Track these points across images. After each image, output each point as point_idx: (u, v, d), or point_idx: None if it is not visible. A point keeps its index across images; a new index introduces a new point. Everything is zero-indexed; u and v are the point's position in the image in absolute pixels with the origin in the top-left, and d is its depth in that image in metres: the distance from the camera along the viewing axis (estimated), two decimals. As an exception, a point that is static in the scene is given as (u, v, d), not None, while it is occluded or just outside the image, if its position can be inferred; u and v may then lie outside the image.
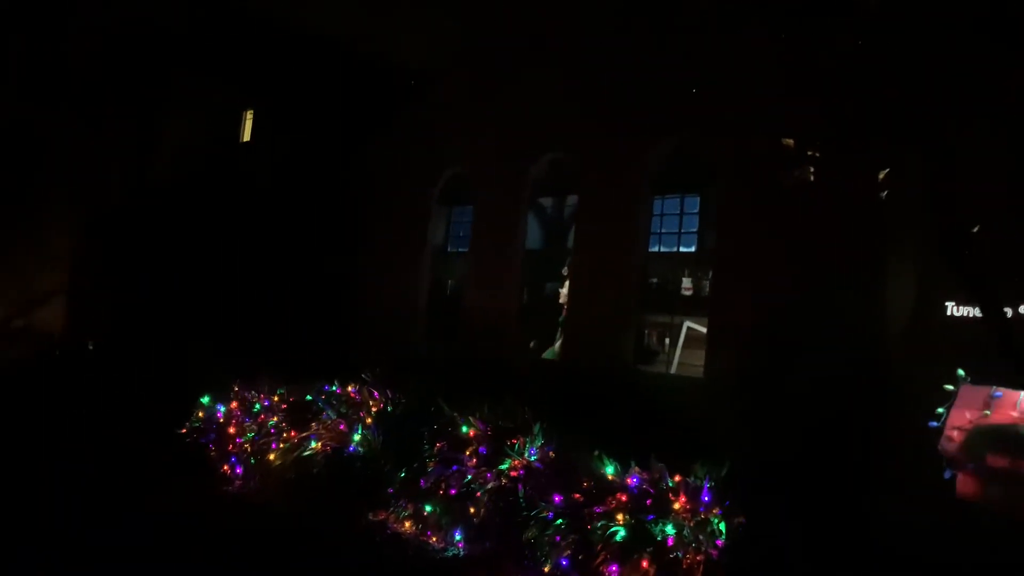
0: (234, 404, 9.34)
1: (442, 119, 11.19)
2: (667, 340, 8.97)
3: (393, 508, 6.99)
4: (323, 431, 7.97)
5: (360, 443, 7.81)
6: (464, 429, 6.98)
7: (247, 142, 16.87)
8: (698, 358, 8.30)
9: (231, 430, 9.05)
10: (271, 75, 15.14)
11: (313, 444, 7.96)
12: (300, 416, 8.56)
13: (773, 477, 6.04)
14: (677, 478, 5.55)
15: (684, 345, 8.71)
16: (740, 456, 6.03)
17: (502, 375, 9.52)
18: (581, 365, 9.07)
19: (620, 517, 5.23)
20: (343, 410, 8.11)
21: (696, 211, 8.70)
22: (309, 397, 8.70)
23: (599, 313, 8.95)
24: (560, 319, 9.77)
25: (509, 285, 10.14)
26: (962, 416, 6.16)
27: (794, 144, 5.75)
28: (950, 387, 6.28)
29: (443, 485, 6.63)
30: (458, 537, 6.39)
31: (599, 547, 5.12)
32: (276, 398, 9.38)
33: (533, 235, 10.38)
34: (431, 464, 6.79)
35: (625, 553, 5.04)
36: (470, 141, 10.68)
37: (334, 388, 8.85)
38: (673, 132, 8.46)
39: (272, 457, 8.37)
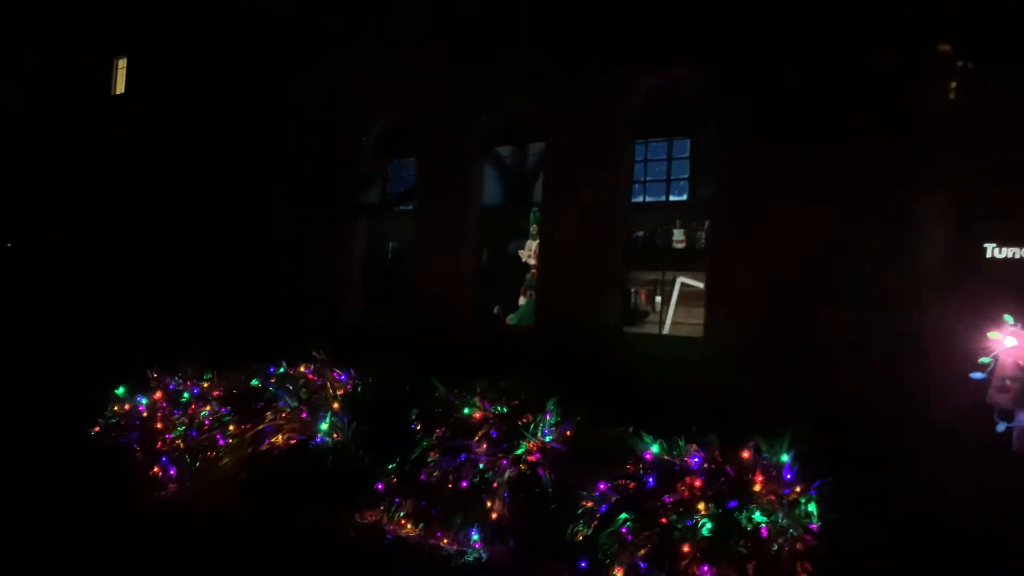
0: (158, 394, 7.92)
1: (373, 58, 9.91)
2: (658, 298, 8.29)
3: (386, 508, 5.95)
4: (282, 421, 6.77)
5: (328, 432, 6.69)
6: (466, 411, 6.01)
7: (120, 95, 14.85)
8: (695, 316, 7.65)
9: (158, 425, 7.66)
10: (146, 13, 13.21)
11: (270, 438, 6.76)
12: (245, 405, 7.30)
13: (814, 447, 5.44)
14: (745, 454, 4.84)
15: (677, 303, 8.05)
16: (768, 425, 5.44)
17: (462, 346, 8.56)
18: (557, 330, 8.23)
19: (702, 507, 4.46)
20: (303, 395, 6.93)
21: (686, 156, 7.99)
22: (255, 382, 7.44)
23: (577, 272, 8.10)
24: (528, 280, 8.89)
25: (464, 246, 9.12)
26: (1012, 364, 5.77)
27: (948, 52, 5.01)
28: (996, 334, 5.86)
29: (450, 477, 5.66)
30: (475, 537, 5.44)
31: (685, 544, 4.32)
32: (206, 384, 8.08)
33: (490, 190, 9.38)
34: (433, 454, 5.79)
35: (717, 549, 4.28)
36: (409, 83, 9.49)
37: (281, 370, 7.65)
38: (659, 65, 7.64)
39: (216, 455, 7.11)
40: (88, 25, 14.92)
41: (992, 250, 5.99)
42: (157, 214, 12.15)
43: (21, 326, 12.48)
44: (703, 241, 7.77)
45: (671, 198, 8.02)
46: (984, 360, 5.90)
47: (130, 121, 13.66)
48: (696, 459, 4.91)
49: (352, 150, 10.24)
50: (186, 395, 7.81)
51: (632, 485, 4.92)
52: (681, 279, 8.02)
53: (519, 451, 5.63)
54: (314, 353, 7.63)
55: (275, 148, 10.94)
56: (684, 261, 7.91)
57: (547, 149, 8.54)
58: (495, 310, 9.34)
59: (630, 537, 4.48)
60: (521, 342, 8.79)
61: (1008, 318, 5.82)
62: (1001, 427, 5.75)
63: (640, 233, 8.26)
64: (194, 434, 7.54)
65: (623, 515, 4.63)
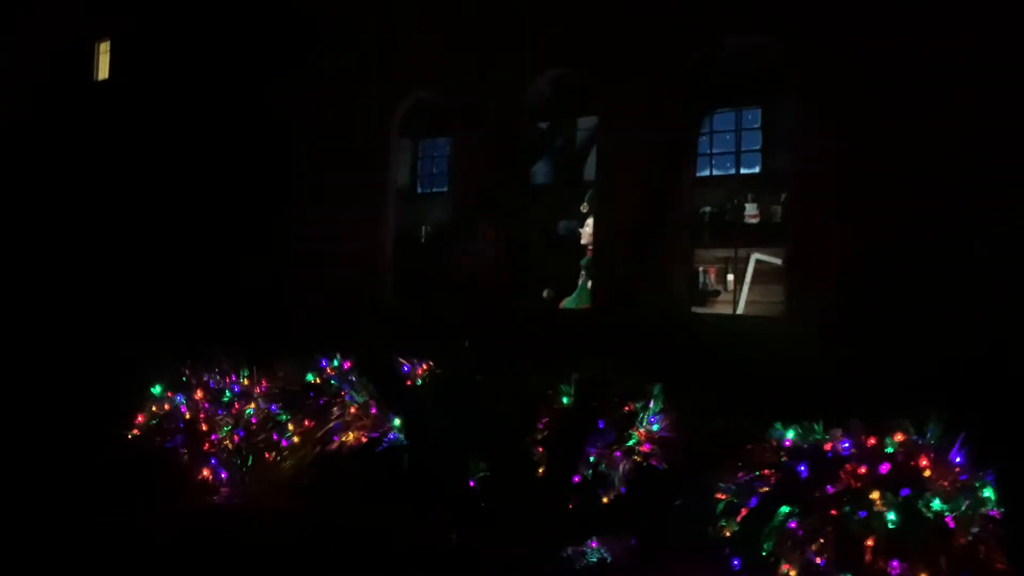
0: (199, 393, 7.34)
1: (398, 32, 9.35)
2: (730, 277, 7.91)
3: (484, 508, 5.49)
4: (350, 418, 6.26)
5: (401, 429, 6.20)
6: (564, 400, 5.57)
7: (104, 81, 13.98)
8: (773, 294, 7.30)
9: (203, 427, 7.10)
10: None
11: (338, 436, 6.25)
12: (303, 402, 6.77)
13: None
14: (899, 437, 4.47)
15: (752, 281, 7.69)
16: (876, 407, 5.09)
17: (508, 332, 8.11)
18: (617, 313, 7.81)
19: (876, 496, 4.07)
20: (371, 389, 6.41)
21: (758, 126, 7.61)
22: (311, 376, 6.90)
23: (638, 251, 7.69)
24: (583, 262, 8.44)
25: (510, 227, 8.65)
26: None
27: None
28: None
29: (557, 473, 5.21)
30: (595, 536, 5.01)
31: (868, 538, 3.94)
32: (246, 381, 7.52)
33: (536, 168, 8.91)
34: (538, 449, 5.33)
35: (904, 542, 3.90)
36: (441, 59, 8.97)
37: (335, 363, 7.11)
38: (729, 33, 7.25)
39: (274, 456, 6.57)
40: (64, 2, 14.01)
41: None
42: (160, 208, 11.41)
43: (24, 326, 11.68)
44: (779, 215, 7.42)
45: (742, 171, 7.64)
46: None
47: (117, 110, 12.83)
48: (846, 444, 4.53)
49: (380, 130, 9.69)
50: (228, 393, 7.26)
51: (777, 475, 4.52)
52: (756, 256, 7.65)
53: (631, 442, 5.22)
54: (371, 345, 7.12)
55: (292, 131, 10.33)
56: (759, 237, 7.54)
57: (601, 123, 8.09)
58: (545, 293, 8.89)
59: (801, 532, 4.08)
60: (573, 326, 8.38)
61: None
62: None
63: (708, 208, 7.87)
64: (241, 434, 7.02)
65: (784, 508, 4.23)
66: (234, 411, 7.19)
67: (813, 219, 6.76)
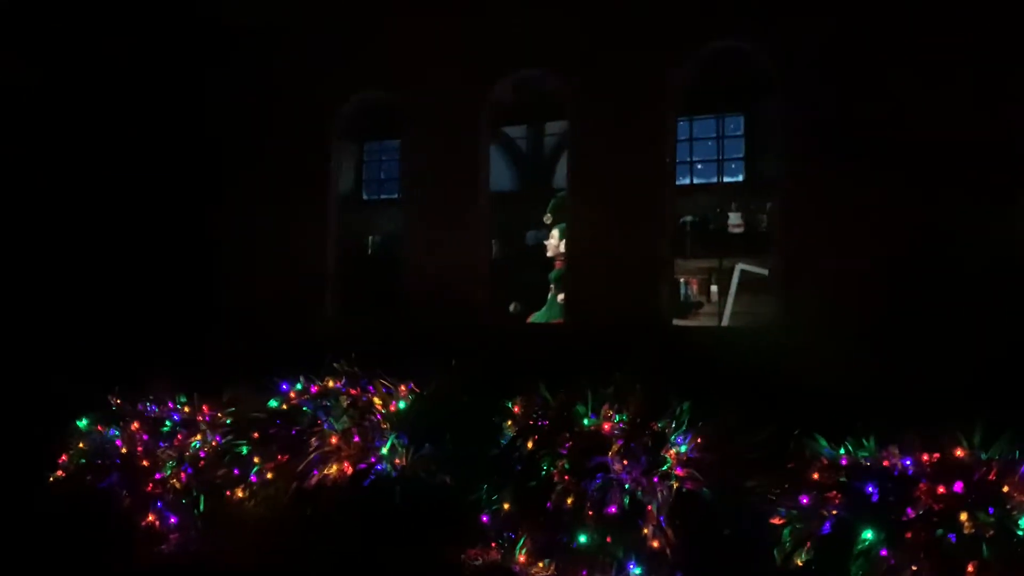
0: (135, 424, 6.41)
1: (343, 22, 8.63)
2: (713, 288, 7.65)
3: (500, 544, 4.92)
4: (331, 448, 5.53)
5: (389, 458, 5.55)
6: (586, 422, 5.09)
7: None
8: (758, 305, 7.09)
9: (143, 462, 6.16)
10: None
11: (317, 469, 5.50)
12: (267, 432, 5.97)
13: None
14: (959, 452, 4.27)
15: (737, 292, 7.46)
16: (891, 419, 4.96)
17: (470, 349, 7.54)
18: (592, 328, 7.40)
19: (964, 517, 3.82)
20: (350, 415, 5.71)
21: (740, 134, 7.41)
22: (274, 403, 6.10)
23: (615, 262, 7.32)
24: (552, 275, 7.98)
25: (472, 237, 8.09)
26: None
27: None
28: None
29: (589, 503, 4.73)
30: (637, 572, 4.55)
31: (969, 563, 3.66)
32: (187, 409, 6.66)
33: (498, 174, 8.40)
34: (565, 477, 4.82)
35: (1001, 566, 3.65)
36: (396, 53, 8.33)
37: (299, 386, 6.34)
38: (712, 38, 7.02)
39: (237, 494, 5.75)
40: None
41: None
42: (73, 223, 10.05)
43: None
44: (765, 224, 7.25)
45: (726, 179, 7.43)
46: None
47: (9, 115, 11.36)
48: (908, 462, 4.29)
49: (319, 132, 8.91)
50: (167, 423, 6.36)
51: (842, 497, 4.23)
52: (741, 266, 7.44)
53: (666, 466, 4.81)
54: (335, 365, 6.40)
55: (220, 135, 9.37)
56: (744, 246, 7.34)
57: (572, 128, 7.69)
58: (512, 307, 8.38)
59: (893, 561, 3.77)
60: (543, 343, 7.90)
61: None
62: None
63: (689, 217, 7.61)
64: (189, 470, 6.16)
65: (866, 533, 3.91)
66: (177, 443, 6.34)
67: (806, 227, 6.60)
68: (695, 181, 7.61)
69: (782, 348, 6.63)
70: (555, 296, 7.93)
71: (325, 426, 5.62)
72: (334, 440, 5.52)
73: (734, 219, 7.39)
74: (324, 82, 8.83)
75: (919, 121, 6.17)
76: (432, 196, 8.31)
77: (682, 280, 7.69)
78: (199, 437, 6.35)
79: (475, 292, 8.09)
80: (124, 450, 6.19)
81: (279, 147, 9.11)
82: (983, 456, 4.18)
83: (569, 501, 4.72)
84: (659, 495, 4.66)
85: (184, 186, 9.40)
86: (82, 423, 6.46)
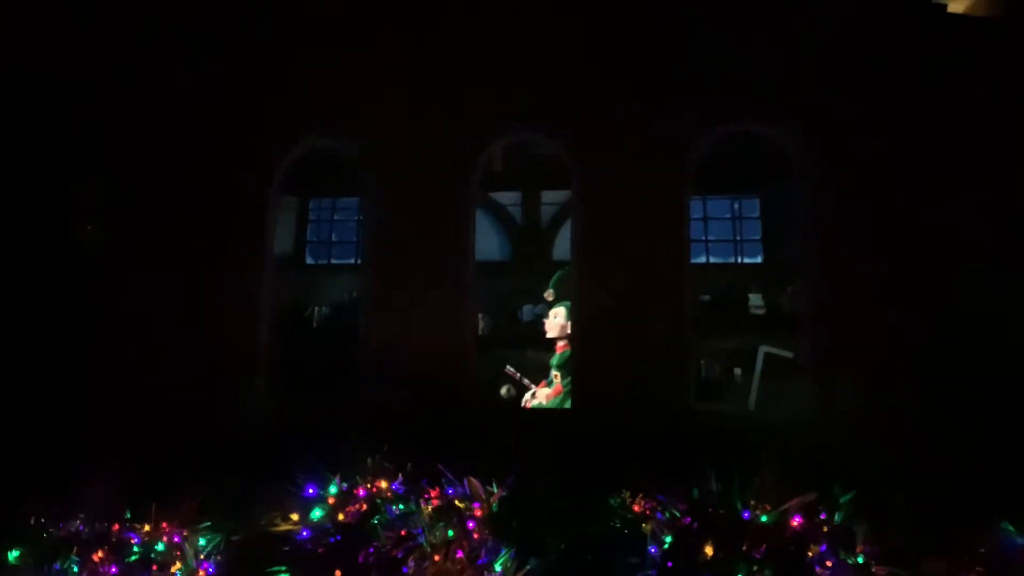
0: (98, 554, 4.58)
1: (296, 58, 7.49)
2: (737, 371, 7.29)
3: None
4: (435, 569, 4.26)
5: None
6: (764, 518, 4.43)
7: None
8: (788, 390, 6.87)
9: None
10: None
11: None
12: (311, 551, 4.51)
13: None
14: None
15: (762, 375, 7.16)
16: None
17: (452, 437, 6.57)
18: (602, 414, 6.80)
19: None
20: (440, 528, 4.48)
21: (756, 215, 7.29)
22: (319, 512, 4.64)
23: (626, 344, 6.83)
24: (554, 362, 7.18)
25: (454, 310, 7.16)
26: None
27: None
28: None
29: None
30: None
31: None
32: (147, 527, 4.99)
33: (485, 241, 7.54)
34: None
35: None
36: (354, 94, 7.35)
37: (332, 489, 4.94)
38: (729, 119, 6.94)
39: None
40: None
41: None
42: None
43: None
44: (787, 306, 7.14)
45: (745, 260, 7.27)
46: None
47: None
48: None
49: (252, 184, 7.50)
50: (161, 545, 4.64)
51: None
52: (764, 348, 7.23)
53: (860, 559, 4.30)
54: (368, 460, 5.15)
55: (119, 186, 7.55)
56: (766, 329, 7.15)
57: (579, 197, 7.18)
58: (504, 391, 7.43)
59: None
60: (540, 430, 7.08)
61: None
62: None
63: (706, 297, 7.31)
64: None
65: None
66: None
67: (837, 311, 6.60)
68: (711, 260, 7.43)
69: (819, 434, 6.48)
70: (551, 381, 7.19)
71: (420, 540, 4.38)
72: (437, 558, 4.31)
73: (755, 300, 7.26)
74: (262, 122, 7.55)
75: (949, 199, 6.50)
76: (404, 263, 7.30)
77: (701, 362, 7.36)
78: (179, 567, 4.73)
79: (458, 372, 7.13)
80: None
81: (199, 198, 7.56)
82: None
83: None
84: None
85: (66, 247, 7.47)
86: (12, 555, 4.50)
